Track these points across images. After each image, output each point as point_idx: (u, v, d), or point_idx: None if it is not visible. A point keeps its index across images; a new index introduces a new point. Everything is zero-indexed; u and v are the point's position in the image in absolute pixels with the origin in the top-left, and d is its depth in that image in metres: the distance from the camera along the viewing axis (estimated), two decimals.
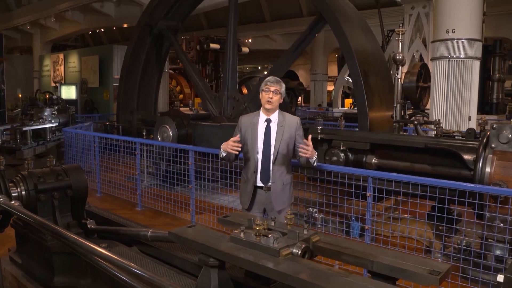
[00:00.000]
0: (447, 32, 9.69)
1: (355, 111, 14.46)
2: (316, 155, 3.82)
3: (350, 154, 5.71)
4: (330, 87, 30.88)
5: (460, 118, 9.59)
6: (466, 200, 3.96)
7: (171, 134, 8.67)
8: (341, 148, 5.63)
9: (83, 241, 2.47)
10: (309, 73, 29.85)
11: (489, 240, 4.34)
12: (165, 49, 11.72)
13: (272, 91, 3.79)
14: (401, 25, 7.16)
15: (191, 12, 11.67)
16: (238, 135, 3.85)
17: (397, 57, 6.59)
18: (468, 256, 4.45)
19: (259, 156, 3.82)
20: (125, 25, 21.82)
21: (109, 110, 18.95)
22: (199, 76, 10.38)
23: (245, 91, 23.08)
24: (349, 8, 8.74)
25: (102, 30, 27.77)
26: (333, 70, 31.07)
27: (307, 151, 3.66)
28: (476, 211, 4.10)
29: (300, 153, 3.74)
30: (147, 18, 10.78)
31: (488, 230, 4.26)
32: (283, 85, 3.85)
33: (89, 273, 3.50)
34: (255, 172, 3.83)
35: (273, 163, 3.80)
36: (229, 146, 3.75)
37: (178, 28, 11.22)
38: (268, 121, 3.85)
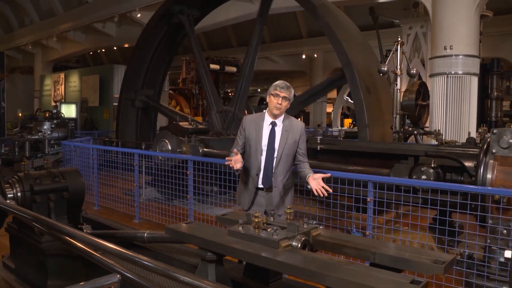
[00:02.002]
0: (445, 48, 9.77)
1: (355, 129, 14.48)
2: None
3: (441, 173, 4.94)
4: (329, 109, 30.94)
5: (460, 133, 9.59)
6: (468, 201, 3.90)
7: (170, 148, 8.63)
8: (432, 165, 4.89)
9: (78, 232, 2.41)
10: None
11: (492, 248, 4.25)
12: (180, 38, 11.63)
13: (281, 97, 3.76)
14: (399, 38, 7.19)
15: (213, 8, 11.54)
16: (236, 150, 3.76)
17: (412, 72, 6.60)
18: (471, 265, 4.36)
19: (262, 158, 3.78)
20: (126, 45, 22.00)
21: (108, 129, 18.95)
22: (211, 82, 10.05)
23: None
24: (349, 24, 8.84)
25: (103, 50, 28.00)
26: (332, 92, 31.17)
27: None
28: (478, 215, 4.02)
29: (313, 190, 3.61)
30: (169, 5, 10.43)
31: (491, 237, 4.18)
32: (292, 91, 3.83)
33: (83, 276, 3.42)
34: (257, 174, 3.78)
35: (276, 166, 3.76)
36: (231, 164, 3.67)
37: (198, 19, 11.04)
38: (274, 124, 3.82)
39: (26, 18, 26.42)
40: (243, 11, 16.71)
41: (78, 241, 2.36)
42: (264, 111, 3.96)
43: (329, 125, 27.23)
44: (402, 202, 4.25)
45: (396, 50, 7.31)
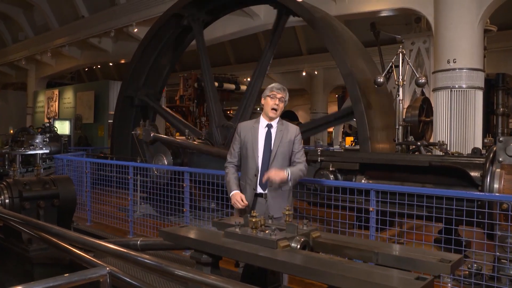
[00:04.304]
0: (448, 62, 9.87)
1: (356, 147, 14.47)
2: (285, 175, 3.70)
3: (339, 175, 5.68)
4: (330, 128, 30.97)
5: (465, 149, 9.58)
6: (475, 208, 3.86)
7: (166, 163, 8.60)
8: (330, 169, 5.61)
9: (67, 231, 2.37)
10: (309, 112, 30.07)
11: (502, 261, 4.21)
12: (187, 41, 11.62)
13: (278, 98, 3.82)
14: (400, 48, 7.25)
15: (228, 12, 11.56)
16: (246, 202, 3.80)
17: (420, 81, 6.66)
18: (480, 280, 4.31)
19: (259, 160, 3.80)
20: (122, 61, 22.15)
21: (103, 146, 18.94)
22: (215, 91, 9.92)
23: None
24: (350, 36, 8.91)
25: (99, 66, 28.18)
26: (333, 110, 31.29)
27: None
28: (486, 223, 3.98)
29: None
30: (179, 8, 10.34)
31: (499, 250, 4.13)
32: (287, 94, 3.90)
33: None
34: (256, 175, 3.80)
35: (271, 165, 3.77)
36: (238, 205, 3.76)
37: (207, 23, 11.09)
38: (269, 126, 3.87)
39: (20, 34, 26.65)
40: (242, 26, 16.86)
41: (67, 240, 2.32)
42: (259, 117, 3.99)
43: (330, 144, 27.24)
44: (405, 211, 4.21)
45: (397, 66, 7.33)
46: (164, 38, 11.09)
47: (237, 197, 3.78)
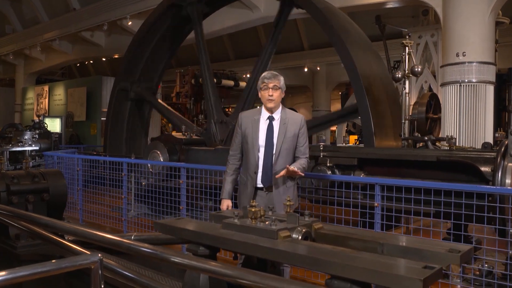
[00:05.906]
0: (457, 55, 9.81)
1: (360, 146, 14.43)
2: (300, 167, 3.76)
3: (337, 171, 5.76)
4: (333, 127, 30.93)
5: (474, 146, 9.55)
6: (486, 203, 3.85)
7: (162, 160, 8.60)
8: (328, 164, 5.67)
9: (59, 222, 2.36)
10: (311, 110, 30.04)
11: None
12: (185, 34, 11.66)
13: (270, 88, 3.78)
14: (408, 36, 7.24)
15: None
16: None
17: (416, 70, 6.71)
18: (492, 279, 4.30)
19: (261, 155, 3.80)
20: (116, 56, 22.09)
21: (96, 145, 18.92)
22: (213, 85, 9.88)
23: None
24: (354, 28, 8.90)
25: (91, 61, 28.10)
26: (336, 108, 31.25)
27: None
28: (497, 218, 3.98)
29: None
30: None
31: None
32: (282, 78, 3.86)
33: (62, 283, 3.36)
34: (256, 173, 3.80)
35: (275, 162, 3.76)
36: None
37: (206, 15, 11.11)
38: (271, 118, 3.85)
39: (8, 27, 26.52)
40: (241, 19, 16.79)
41: (57, 232, 2.31)
42: (260, 107, 3.98)
43: (334, 143, 27.21)
44: (412, 206, 4.21)
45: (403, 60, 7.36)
46: (161, 30, 11.05)
47: (223, 206, 3.89)
